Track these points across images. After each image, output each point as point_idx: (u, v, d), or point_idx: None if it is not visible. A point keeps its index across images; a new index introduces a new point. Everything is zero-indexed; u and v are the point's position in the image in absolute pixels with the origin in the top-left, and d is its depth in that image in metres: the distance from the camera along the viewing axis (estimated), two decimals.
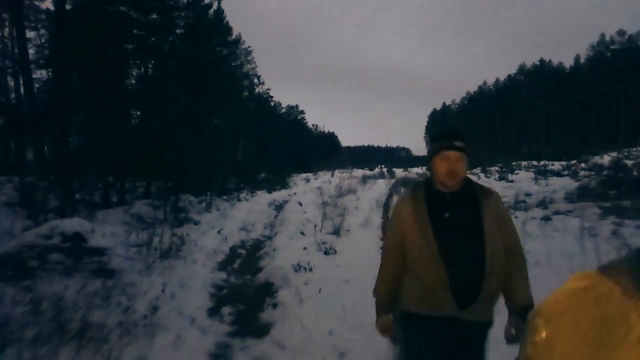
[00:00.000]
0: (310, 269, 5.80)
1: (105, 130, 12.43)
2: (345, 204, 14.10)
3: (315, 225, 8.60)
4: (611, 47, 67.76)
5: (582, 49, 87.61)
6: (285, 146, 58.36)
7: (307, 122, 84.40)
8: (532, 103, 71.02)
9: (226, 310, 4.63)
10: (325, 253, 6.83)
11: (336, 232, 8.58)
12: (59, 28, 11.53)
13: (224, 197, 16.54)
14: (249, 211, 13.69)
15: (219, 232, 8.69)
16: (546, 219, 10.53)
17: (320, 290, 4.69)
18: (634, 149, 32.61)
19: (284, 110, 73.69)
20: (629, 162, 22.27)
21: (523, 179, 24.05)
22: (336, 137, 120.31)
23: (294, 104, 78.16)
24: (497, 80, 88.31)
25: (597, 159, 28.13)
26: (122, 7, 11.69)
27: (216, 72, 16.33)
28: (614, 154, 28.90)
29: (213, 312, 4.55)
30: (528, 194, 16.46)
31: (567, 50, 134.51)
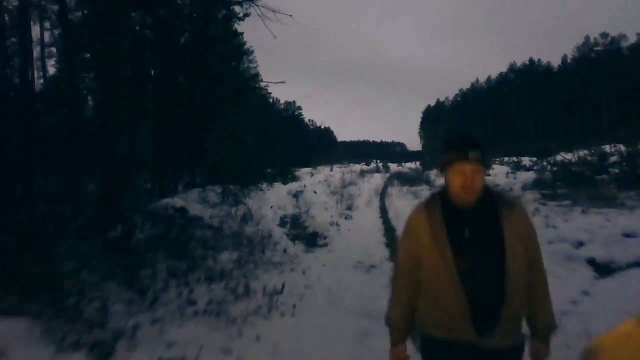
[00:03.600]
0: (339, 225, 9.97)
1: (168, 137, 16.55)
2: (351, 193, 18.25)
3: (337, 202, 12.80)
4: (595, 48, 71.22)
5: (570, 49, 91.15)
6: (286, 142, 61.52)
7: (304, 118, 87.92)
8: (522, 101, 74.71)
9: (298, 242, 8.75)
10: (346, 218, 11.03)
11: (349, 208, 12.78)
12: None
13: (250, 187, 20.65)
14: (277, 197, 17.80)
15: (271, 207, 12.83)
16: None
17: (350, 230, 8.87)
18: (605, 146, 35.94)
19: (282, 106, 77.23)
20: (591, 158, 26.45)
21: (499, 173, 28.22)
22: (332, 132, 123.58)
23: (292, 100, 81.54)
24: (489, 78, 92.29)
25: (569, 156, 32.28)
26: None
27: (244, 87, 20.46)
28: (585, 152, 33.03)
29: (293, 241, 8.68)
30: (496, 185, 20.69)
31: (556, 51, 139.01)
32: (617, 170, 20.44)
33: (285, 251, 6.88)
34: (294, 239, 9.02)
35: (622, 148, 25.57)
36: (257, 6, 8.54)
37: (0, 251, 4.68)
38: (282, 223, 11.25)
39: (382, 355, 3.27)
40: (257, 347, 3.36)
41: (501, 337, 1.66)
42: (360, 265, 6.45)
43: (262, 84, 17.21)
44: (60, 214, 7.71)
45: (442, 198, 1.80)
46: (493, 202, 1.76)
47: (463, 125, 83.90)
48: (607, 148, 28.67)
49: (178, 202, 11.98)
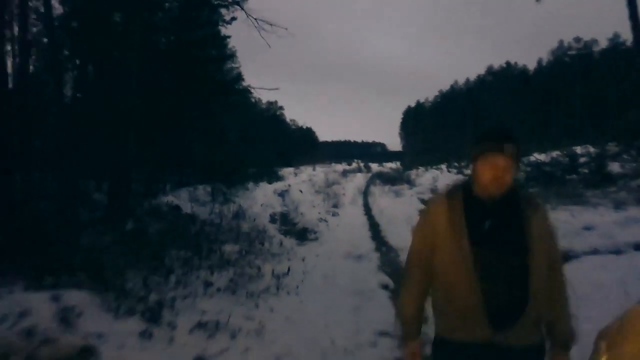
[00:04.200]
0: (327, 221, 10.76)
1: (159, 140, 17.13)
2: (335, 191, 19.05)
3: (323, 200, 13.57)
4: (569, 52, 73.34)
5: (545, 53, 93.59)
6: (268, 142, 61.80)
7: (285, 118, 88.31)
8: (499, 102, 76.50)
9: (290, 236, 9.47)
10: (333, 215, 11.83)
11: (335, 206, 13.56)
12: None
13: (237, 186, 21.30)
14: (263, 196, 18.48)
15: (261, 205, 13.51)
16: None
17: (337, 225, 9.65)
18: (576, 147, 37.31)
19: (264, 106, 77.50)
20: (562, 159, 27.72)
21: None
22: (314, 132, 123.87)
23: (273, 100, 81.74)
24: (468, 80, 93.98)
25: (542, 156, 33.58)
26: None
27: (231, 88, 21.12)
28: (557, 152, 34.38)
29: (285, 236, 9.40)
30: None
31: (532, 54, 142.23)
32: (586, 170, 21.64)
33: (281, 243, 7.61)
34: (285, 233, 9.75)
35: (591, 149, 26.94)
36: (255, 19, 9.20)
37: (27, 240, 5.29)
38: (272, 220, 11.95)
39: (372, 323, 4.06)
40: (273, 315, 4.11)
41: (518, 335, 1.60)
42: (350, 255, 7.24)
43: (256, 90, 17.88)
44: (65, 211, 8.31)
45: (464, 189, 1.76)
46: (517, 199, 1.72)
47: (440, 125, 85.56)
48: (578, 149, 30.00)
49: (171, 199, 12.58)
